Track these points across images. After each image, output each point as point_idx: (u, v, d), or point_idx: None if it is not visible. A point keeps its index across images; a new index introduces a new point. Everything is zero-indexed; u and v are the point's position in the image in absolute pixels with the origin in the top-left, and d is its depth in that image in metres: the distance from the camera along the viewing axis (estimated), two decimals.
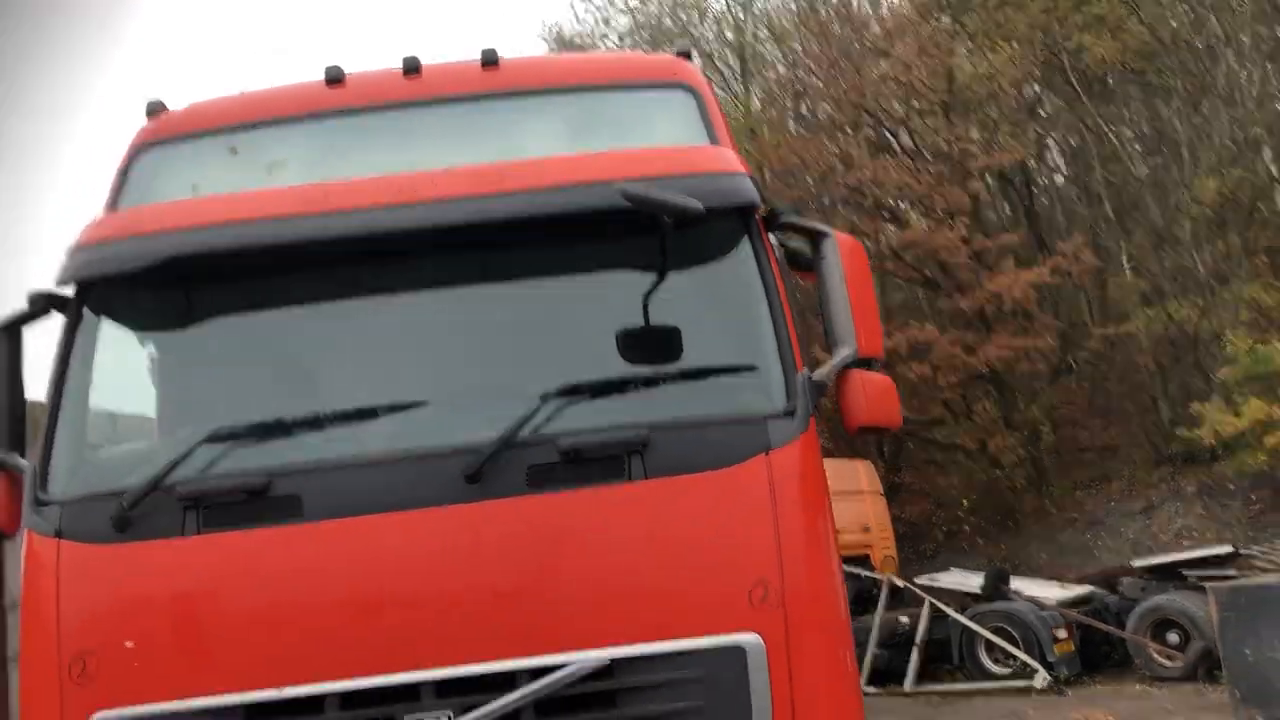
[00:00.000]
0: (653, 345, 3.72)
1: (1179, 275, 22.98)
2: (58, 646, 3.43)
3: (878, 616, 14.89)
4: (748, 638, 3.33)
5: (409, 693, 3.31)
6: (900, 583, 15.22)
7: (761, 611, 3.36)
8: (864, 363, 3.83)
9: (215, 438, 3.49)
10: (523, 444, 3.45)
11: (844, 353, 3.79)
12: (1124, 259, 24.12)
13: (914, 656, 14.15)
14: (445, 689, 3.30)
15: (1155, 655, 13.83)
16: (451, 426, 3.58)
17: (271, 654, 3.36)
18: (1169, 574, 14.79)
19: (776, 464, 3.49)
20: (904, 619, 15.27)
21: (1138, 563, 15.83)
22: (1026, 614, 13.73)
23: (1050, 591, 14.64)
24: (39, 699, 3.44)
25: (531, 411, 3.46)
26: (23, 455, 3.80)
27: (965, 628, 13.78)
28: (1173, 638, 13.84)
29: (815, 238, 3.95)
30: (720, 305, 3.81)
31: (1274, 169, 21.58)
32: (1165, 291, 22.80)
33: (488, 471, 3.42)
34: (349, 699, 3.31)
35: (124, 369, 3.91)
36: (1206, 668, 13.35)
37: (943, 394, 22.93)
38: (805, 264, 4.17)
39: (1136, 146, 24.59)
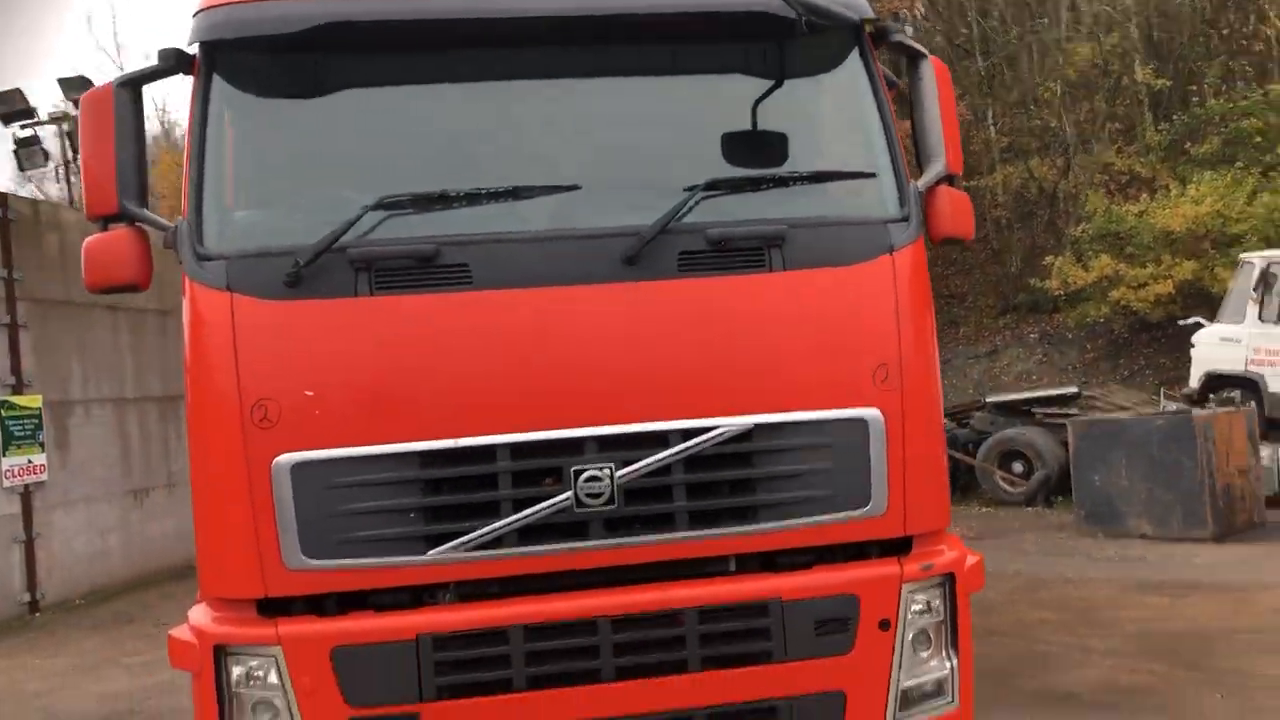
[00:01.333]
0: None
1: (1043, 135, 24.17)
2: (239, 393, 3.59)
3: None
4: (870, 412, 3.79)
5: (574, 446, 3.64)
6: None
7: (882, 390, 3.82)
8: (948, 179, 4.23)
9: (383, 205, 3.63)
10: (675, 231, 3.73)
11: (936, 168, 4.18)
12: (990, 115, 25.11)
13: None
14: (606, 444, 3.65)
15: (1001, 482, 15.28)
16: (604, 211, 3.82)
17: (445, 409, 3.62)
18: (1016, 411, 16.16)
19: (898, 263, 3.90)
20: None
21: (990, 399, 17.17)
22: None
23: None
24: (221, 442, 3.61)
25: (683, 202, 3.73)
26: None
27: None
28: (1017, 467, 15.28)
29: (914, 58, 4.26)
30: (843, 117, 4.13)
31: (1139, 40, 22.68)
32: (1029, 150, 23.99)
33: (644, 255, 3.71)
34: (519, 450, 3.62)
35: (260, 133, 3.96)
36: (1045, 494, 14.90)
37: None
38: (889, 83, 4.49)
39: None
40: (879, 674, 3.78)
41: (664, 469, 3.66)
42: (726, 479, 3.72)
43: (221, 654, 3.59)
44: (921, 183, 4.10)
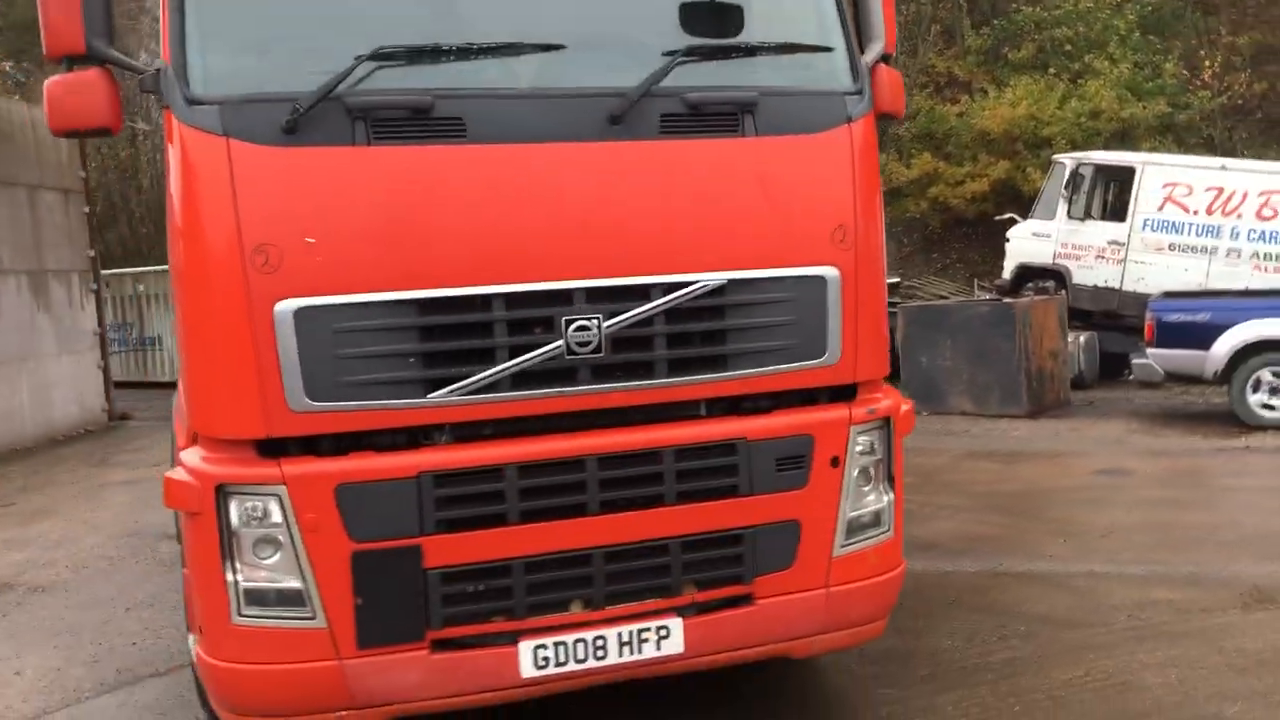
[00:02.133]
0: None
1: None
2: (239, 238, 3.60)
3: None
4: (829, 270, 4.12)
5: (566, 297, 3.83)
6: None
7: (840, 250, 4.15)
8: (886, 58, 4.57)
9: (378, 55, 3.66)
10: (657, 94, 3.92)
11: (877, 47, 4.50)
12: None
13: None
14: (595, 295, 3.86)
15: None
16: (586, 72, 3.97)
17: (442, 259, 3.73)
18: None
19: (855, 133, 4.21)
20: None
21: None
22: None
23: None
24: (222, 287, 3.61)
25: (666, 66, 3.91)
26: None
27: None
28: None
29: None
30: None
31: None
32: None
33: (629, 115, 3.89)
34: (513, 300, 3.79)
35: None
36: None
37: None
38: None
39: None
40: (829, 506, 4.20)
41: (646, 320, 3.90)
42: (701, 330, 4.00)
43: (222, 494, 3.68)
44: (867, 60, 4.41)
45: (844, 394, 4.28)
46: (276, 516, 3.67)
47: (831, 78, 4.26)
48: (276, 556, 3.69)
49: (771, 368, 4.09)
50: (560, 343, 3.80)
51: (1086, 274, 16.52)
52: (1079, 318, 16.18)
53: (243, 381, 3.63)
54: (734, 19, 4.27)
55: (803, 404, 4.22)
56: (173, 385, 19.28)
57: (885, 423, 4.34)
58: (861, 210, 4.22)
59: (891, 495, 4.39)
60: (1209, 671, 4.99)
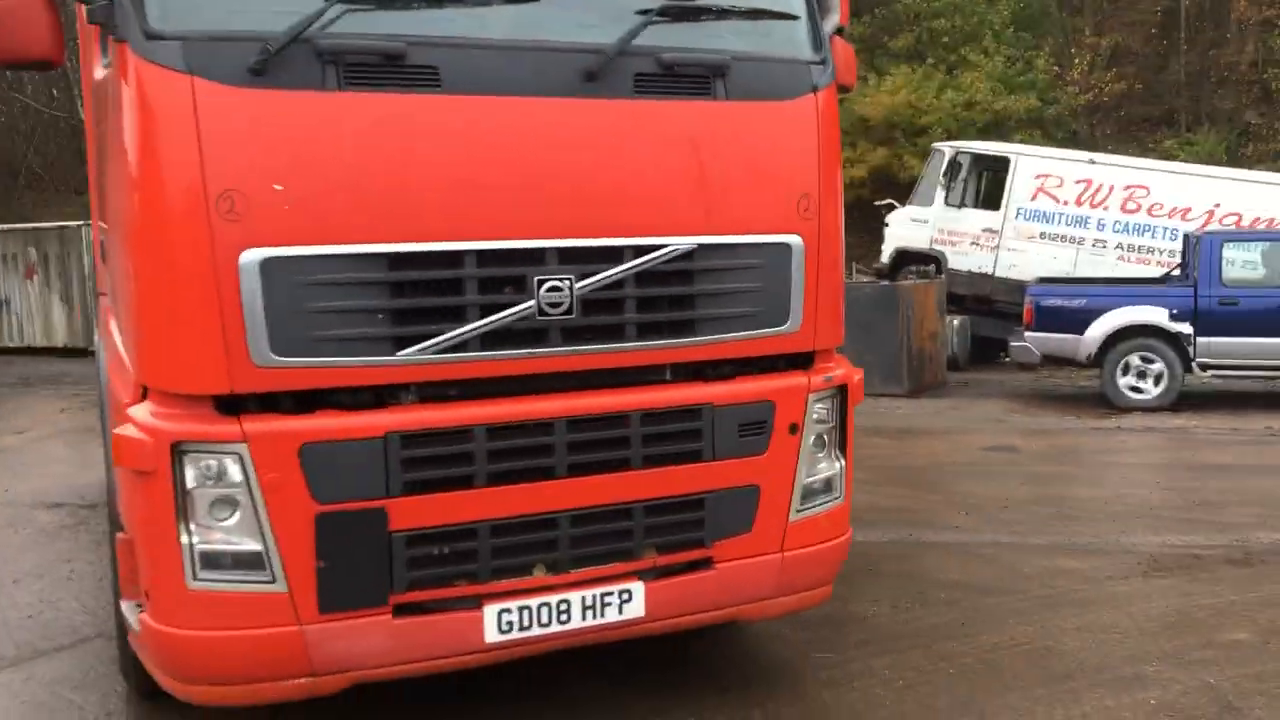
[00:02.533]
0: None
1: None
2: (203, 182, 3.40)
3: None
4: (794, 238, 4.14)
5: (536, 256, 3.75)
6: None
7: (804, 219, 4.18)
8: (839, 30, 4.61)
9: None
10: (632, 53, 3.87)
11: (833, 19, 4.54)
12: None
13: None
14: (567, 256, 3.78)
15: None
16: (565, 26, 3.88)
17: (413, 212, 3.60)
18: None
19: (820, 102, 4.24)
20: None
21: None
22: None
23: None
24: (182, 234, 3.39)
25: (641, 23, 3.86)
26: None
27: None
28: None
29: None
30: None
31: None
32: None
33: (603, 73, 3.83)
34: (485, 257, 3.69)
35: None
36: None
37: None
38: None
39: None
40: (786, 472, 4.23)
41: (617, 283, 3.86)
42: (670, 295, 3.97)
43: (178, 452, 3.49)
44: (825, 32, 4.44)
45: (801, 362, 4.32)
46: (236, 476, 3.50)
47: (796, 46, 4.28)
48: (235, 518, 3.53)
49: (736, 334, 4.10)
50: (531, 303, 3.73)
51: (961, 259, 17.08)
52: (953, 302, 16.72)
53: (204, 334, 3.44)
54: None
55: (761, 371, 4.24)
56: (22, 351, 18.40)
57: (840, 391, 4.40)
58: (824, 180, 4.26)
59: (843, 462, 4.46)
60: (1122, 635, 5.23)
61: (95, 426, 11.34)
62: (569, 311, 3.78)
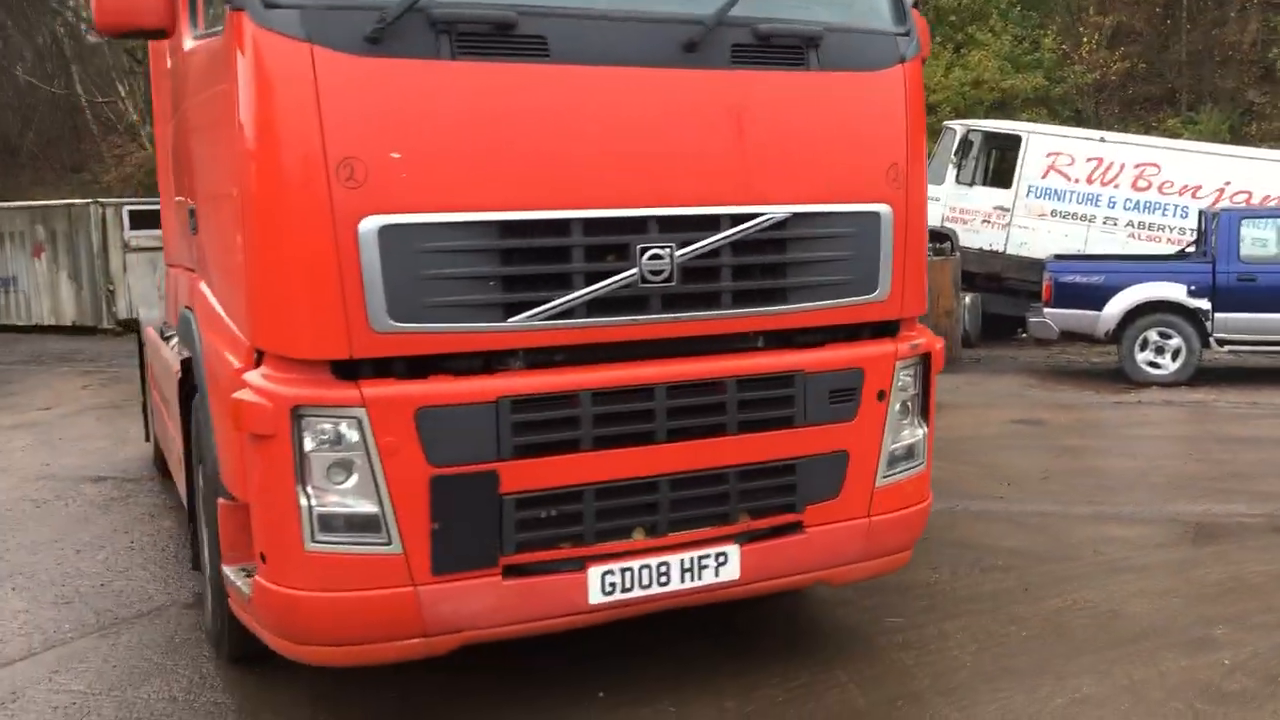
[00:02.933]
0: None
1: None
2: (324, 150, 3.45)
3: None
4: (884, 207, 4.21)
5: (640, 225, 3.81)
6: None
7: (893, 188, 4.24)
8: (915, 3, 4.66)
9: None
10: (729, 24, 3.91)
11: None
12: None
13: None
14: (667, 224, 3.84)
15: None
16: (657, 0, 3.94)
17: (522, 180, 3.64)
18: None
19: (907, 73, 4.30)
20: None
21: None
22: None
23: None
24: (304, 202, 3.44)
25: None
26: None
27: None
28: None
29: None
30: None
31: None
32: None
33: (702, 44, 3.88)
34: (591, 225, 3.75)
35: None
36: None
37: None
38: None
39: None
40: (874, 438, 4.31)
41: (714, 251, 3.92)
42: (765, 263, 4.03)
43: (297, 416, 3.55)
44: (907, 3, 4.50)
45: (887, 329, 4.39)
46: (354, 440, 3.56)
47: (882, 18, 4.33)
48: (353, 481, 3.59)
49: (827, 302, 4.17)
50: (634, 270, 3.79)
51: (973, 237, 17.13)
52: (964, 279, 16.78)
53: (325, 301, 3.50)
54: None
55: (849, 339, 4.31)
56: (30, 329, 18.27)
57: (924, 358, 4.47)
58: (912, 150, 4.33)
59: (925, 429, 4.54)
60: (1184, 600, 5.33)
61: (120, 403, 11.41)
62: (669, 279, 3.84)
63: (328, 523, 3.60)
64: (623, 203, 3.80)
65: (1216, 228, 12.70)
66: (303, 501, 3.57)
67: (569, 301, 3.72)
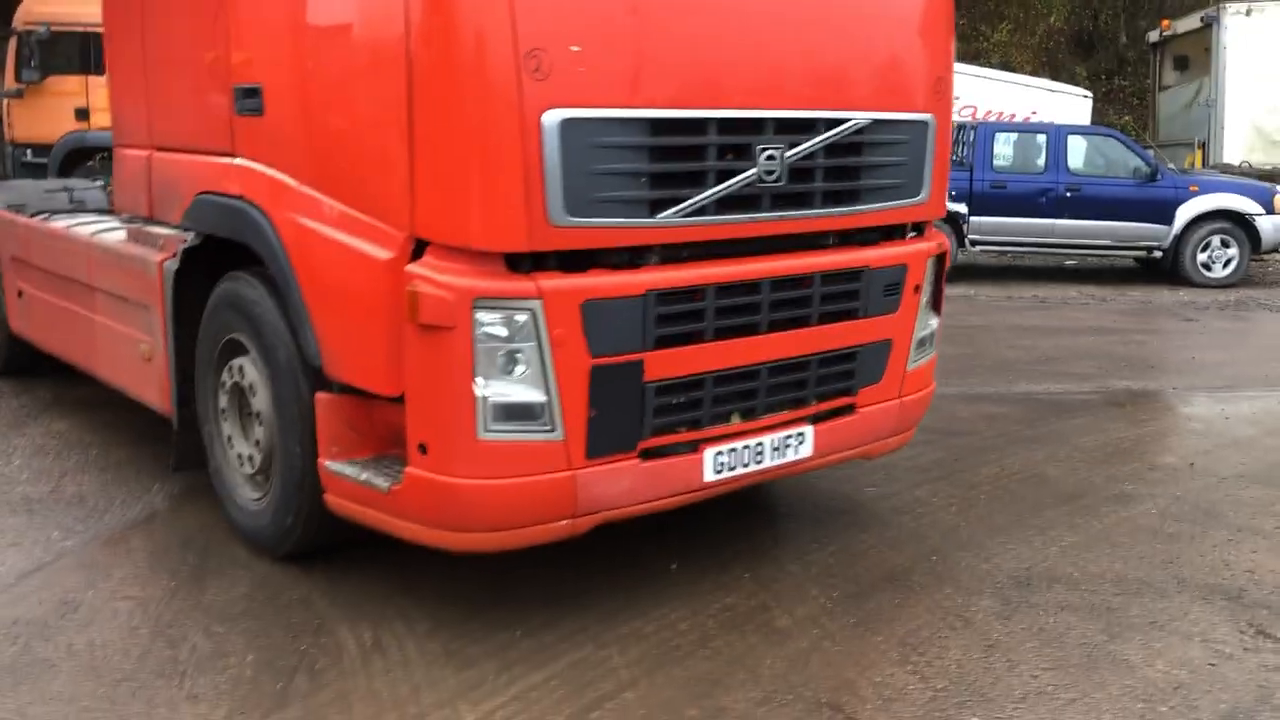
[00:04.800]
0: None
1: None
2: (515, 38, 3.41)
3: None
4: (930, 116, 4.61)
5: (760, 126, 4.01)
6: None
7: (938, 98, 4.67)
8: None
9: None
10: None
11: None
12: None
13: None
14: (781, 126, 4.07)
15: None
16: None
17: (672, 78, 3.75)
18: None
19: None
20: None
21: None
22: None
23: None
24: (493, 91, 3.39)
25: None
26: None
27: None
28: None
29: None
30: None
31: None
32: None
33: None
34: (725, 125, 3.91)
35: None
36: None
37: None
38: None
39: None
40: (909, 328, 4.79)
41: (811, 154, 4.22)
42: (847, 165, 4.36)
43: (475, 307, 3.56)
44: None
45: (919, 229, 4.87)
46: (528, 331, 3.63)
47: None
48: (524, 371, 3.67)
49: (889, 203, 4.58)
50: (754, 169, 4.03)
51: None
52: None
53: (509, 192, 3.53)
54: None
55: (895, 237, 4.75)
56: None
57: (942, 255, 4.99)
58: (952, 64, 4.77)
59: (938, 320, 5.08)
60: (1085, 464, 6.28)
61: None
62: (779, 179, 4.11)
63: (501, 412, 3.66)
64: (749, 103, 4.01)
65: (973, 139, 14.11)
66: (478, 392, 3.61)
67: (705, 198, 3.91)
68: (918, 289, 4.79)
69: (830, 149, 4.27)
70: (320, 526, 4.31)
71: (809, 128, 4.19)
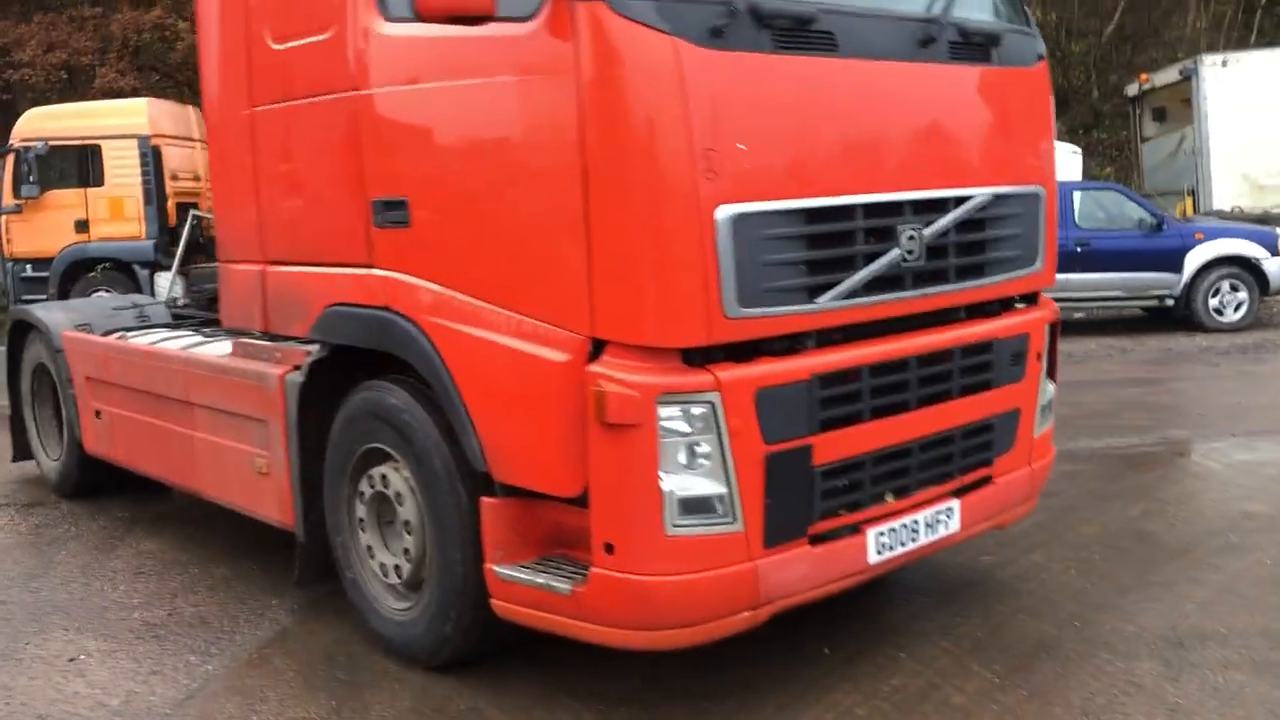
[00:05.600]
0: None
1: None
2: (690, 140, 3.49)
3: None
4: (1041, 188, 4.73)
5: (900, 208, 4.10)
6: None
7: (1044, 170, 4.79)
8: None
9: None
10: (950, 23, 4.29)
11: None
12: None
13: None
14: (918, 207, 4.15)
15: None
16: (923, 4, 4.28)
17: (825, 167, 3.86)
18: None
19: (1046, 67, 4.87)
20: None
21: None
22: None
23: None
24: (671, 190, 3.47)
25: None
26: None
27: None
28: None
29: None
30: None
31: None
32: None
33: (931, 40, 4.24)
34: (871, 209, 3.98)
35: None
36: None
37: None
38: None
39: None
40: (1033, 395, 4.85)
41: (944, 230, 4.30)
42: (975, 240, 4.45)
43: (661, 403, 3.58)
44: None
45: (1033, 297, 4.95)
46: (709, 423, 3.66)
47: (1020, 20, 4.86)
48: (706, 464, 3.69)
49: (1011, 274, 4.67)
50: (897, 250, 4.10)
51: None
52: None
53: (690, 289, 3.59)
54: None
55: (1016, 308, 4.83)
56: None
57: (1056, 323, 5.07)
58: (1052, 135, 4.90)
59: (1054, 386, 5.14)
60: (1183, 518, 6.33)
61: None
62: (919, 257, 4.19)
63: (686, 506, 3.67)
64: (891, 186, 4.11)
65: None
66: (665, 487, 3.62)
67: (860, 280, 3.98)
68: (1039, 356, 4.86)
69: (960, 225, 4.36)
70: (481, 633, 4.27)
71: (941, 206, 4.28)
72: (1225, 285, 14.32)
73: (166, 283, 16.94)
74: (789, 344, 3.91)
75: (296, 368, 4.90)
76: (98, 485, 7.35)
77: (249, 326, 5.31)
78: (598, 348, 3.70)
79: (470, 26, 3.77)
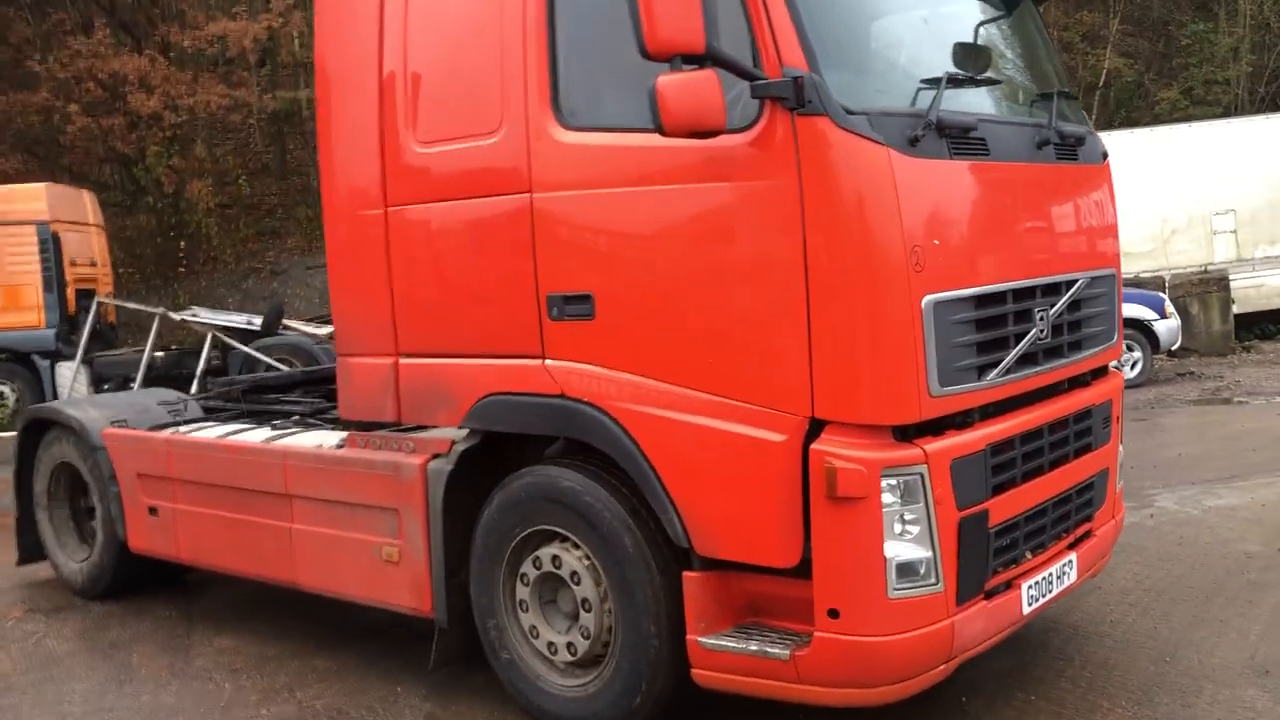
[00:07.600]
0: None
1: None
2: (903, 239, 3.90)
3: (149, 353, 14.28)
4: (1113, 270, 5.32)
5: (1034, 291, 4.62)
6: (177, 315, 14.24)
7: (1115, 253, 5.39)
8: None
9: (952, 80, 4.21)
10: (1050, 127, 4.86)
11: None
12: None
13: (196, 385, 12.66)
14: (1048, 290, 4.68)
15: None
16: (1015, 108, 4.83)
17: (989, 257, 4.36)
18: None
19: (1110, 163, 5.51)
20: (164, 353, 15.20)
21: None
22: (307, 344, 14.05)
23: (315, 329, 14.47)
24: (890, 285, 3.87)
25: (1057, 108, 4.91)
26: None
27: (248, 357, 13.23)
28: None
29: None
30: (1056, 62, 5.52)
31: None
32: None
33: (1043, 143, 4.80)
34: (1019, 294, 4.47)
35: None
36: None
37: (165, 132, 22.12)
38: None
39: None
40: (1114, 455, 5.39)
41: (1059, 311, 4.83)
42: (1077, 318, 4.99)
43: (883, 476, 3.94)
44: None
45: (1103, 369, 5.53)
46: (919, 493, 4.04)
47: (1084, 121, 5.49)
48: (916, 530, 4.05)
49: (1100, 347, 5.24)
50: (1034, 329, 4.60)
51: None
52: None
53: (905, 372, 3.99)
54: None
55: (1098, 378, 5.39)
56: None
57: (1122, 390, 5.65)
58: (1117, 222, 5.52)
59: (1121, 445, 5.71)
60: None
61: None
62: (1047, 336, 4.69)
63: (902, 570, 4.02)
64: (1028, 273, 4.61)
65: None
66: (887, 554, 3.97)
67: (1014, 357, 4.46)
68: (1118, 420, 5.42)
69: (1070, 306, 4.88)
70: (670, 703, 4.48)
71: (1057, 289, 4.80)
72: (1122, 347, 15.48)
73: (70, 373, 16.46)
74: (962, 418, 4.32)
75: (435, 456, 5.05)
76: (135, 584, 7.18)
77: (377, 418, 5.40)
78: (814, 428, 4.04)
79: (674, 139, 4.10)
